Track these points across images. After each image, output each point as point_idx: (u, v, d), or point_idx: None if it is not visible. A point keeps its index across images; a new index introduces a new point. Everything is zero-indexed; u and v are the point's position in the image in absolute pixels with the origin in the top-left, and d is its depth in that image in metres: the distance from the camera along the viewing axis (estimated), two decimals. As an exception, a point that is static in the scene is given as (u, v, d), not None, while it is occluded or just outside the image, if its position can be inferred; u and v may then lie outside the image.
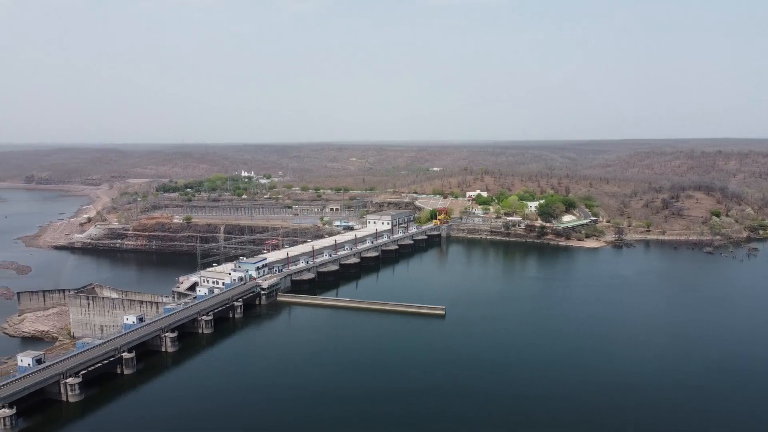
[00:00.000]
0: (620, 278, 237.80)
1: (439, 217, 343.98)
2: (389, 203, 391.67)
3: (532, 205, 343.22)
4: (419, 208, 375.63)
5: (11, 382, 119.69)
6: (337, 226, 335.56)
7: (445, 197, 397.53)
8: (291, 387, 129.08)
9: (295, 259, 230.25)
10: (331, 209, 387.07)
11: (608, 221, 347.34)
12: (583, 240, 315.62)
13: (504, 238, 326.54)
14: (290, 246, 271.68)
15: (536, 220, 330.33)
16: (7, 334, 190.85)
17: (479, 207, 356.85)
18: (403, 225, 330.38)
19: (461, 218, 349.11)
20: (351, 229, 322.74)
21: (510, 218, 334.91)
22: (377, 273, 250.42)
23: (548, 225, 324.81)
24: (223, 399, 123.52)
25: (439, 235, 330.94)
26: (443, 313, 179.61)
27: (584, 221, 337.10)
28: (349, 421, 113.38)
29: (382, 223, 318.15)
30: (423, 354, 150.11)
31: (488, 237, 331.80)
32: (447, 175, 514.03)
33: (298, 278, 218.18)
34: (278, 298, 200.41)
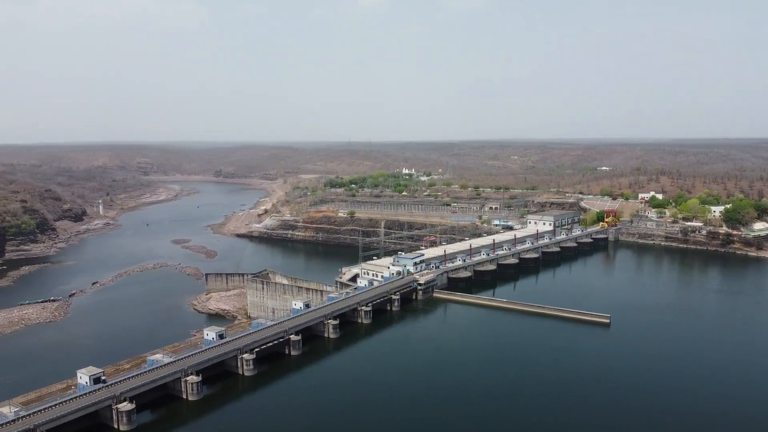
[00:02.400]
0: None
1: (606, 220, 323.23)
2: (552, 203, 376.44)
3: (716, 210, 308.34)
4: (585, 210, 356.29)
5: (199, 352, 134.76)
6: (496, 225, 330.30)
7: (614, 198, 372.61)
8: (445, 383, 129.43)
9: (452, 257, 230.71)
10: (490, 208, 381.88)
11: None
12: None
13: (681, 245, 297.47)
14: (448, 243, 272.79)
15: (721, 226, 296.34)
16: (196, 310, 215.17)
17: (653, 210, 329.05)
18: (566, 226, 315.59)
19: (632, 221, 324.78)
20: (510, 228, 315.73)
21: (689, 223, 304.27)
22: (537, 275, 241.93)
23: (735, 232, 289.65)
24: (381, 388, 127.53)
25: (606, 239, 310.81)
26: (608, 321, 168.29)
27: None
28: (503, 423, 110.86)
29: (544, 223, 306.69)
30: (585, 362, 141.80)
31: (662, 243, 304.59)
32: (617, 175, 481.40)
33: (454, 276, 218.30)
34: (434, 294, 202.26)
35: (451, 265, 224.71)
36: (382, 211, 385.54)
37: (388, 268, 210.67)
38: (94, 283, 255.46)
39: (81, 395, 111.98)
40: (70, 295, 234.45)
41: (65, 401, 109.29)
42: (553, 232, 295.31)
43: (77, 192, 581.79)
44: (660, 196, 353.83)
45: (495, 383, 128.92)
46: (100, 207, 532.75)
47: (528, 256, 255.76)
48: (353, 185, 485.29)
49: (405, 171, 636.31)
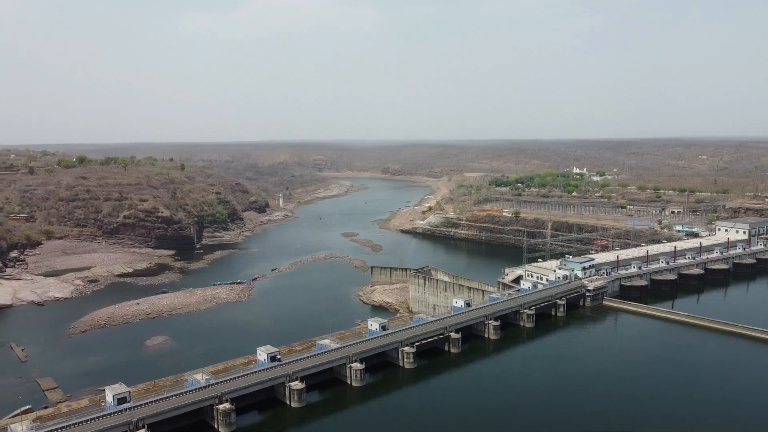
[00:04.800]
0: None
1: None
2: (747, 209, 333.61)
3: None
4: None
5: (363, 341, 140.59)
6: (678, 231, 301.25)
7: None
8: (614, 399, 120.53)
9: (625, 263, 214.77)
10: (672, 212, 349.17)
11: None
12: None
13: None
14: (621, 248, 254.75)
15: None
16: (361, 301, 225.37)
17: None
18: (764, 236, 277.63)
19: None
20: (695, 235, 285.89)
21: None
22: (725, 288, 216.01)
23: None
24: (541, 396, 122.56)
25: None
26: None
27: None
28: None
29: (736, 231, 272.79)
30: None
31: None
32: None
33: (627, 283, 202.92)
34: (604, 302, 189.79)
35: (624, 272, 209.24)
36: (550, 211, 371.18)
37: (554, 271, 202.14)
38: (273, 270, 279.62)
39: (260, 371, 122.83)
40: (253, 279, 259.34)
41: (246, 375, 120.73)
42: (748, 242, 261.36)
43: (261, 186, 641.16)
44: None
45: (672, 404, 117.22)
46: (281, 200, 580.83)
47: (716, 266, 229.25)
48: (519, 184, 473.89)
49: (576, 170, 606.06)
